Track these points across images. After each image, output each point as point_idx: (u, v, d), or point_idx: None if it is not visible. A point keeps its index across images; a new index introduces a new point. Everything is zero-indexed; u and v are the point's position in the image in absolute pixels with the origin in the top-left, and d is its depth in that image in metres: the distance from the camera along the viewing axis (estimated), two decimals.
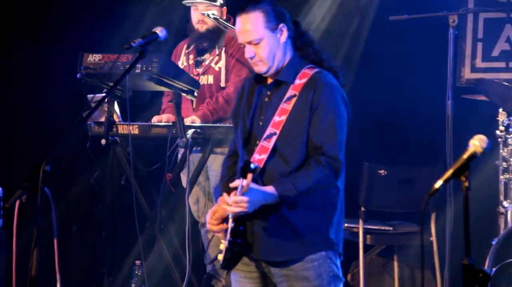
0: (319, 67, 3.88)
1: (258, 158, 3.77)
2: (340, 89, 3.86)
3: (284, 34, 3.85)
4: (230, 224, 3.77)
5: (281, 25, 3.83)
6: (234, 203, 3.67)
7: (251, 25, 3.81)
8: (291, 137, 3.78)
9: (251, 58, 3.84)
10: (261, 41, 3.81)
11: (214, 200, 6.20)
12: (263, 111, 3.88)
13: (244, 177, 3.57)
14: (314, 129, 3.76)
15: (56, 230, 3.60)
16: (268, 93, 3.89)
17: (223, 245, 3.85)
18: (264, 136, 3.80)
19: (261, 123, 3.86)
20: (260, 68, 3.86)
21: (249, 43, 3.83)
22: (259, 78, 3.95)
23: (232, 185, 3.70)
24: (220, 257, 3.87)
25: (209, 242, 6.32)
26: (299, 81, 3.83)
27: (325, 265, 3.83)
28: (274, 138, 3.77)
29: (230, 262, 3.88)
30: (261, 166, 3.74)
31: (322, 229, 3.83)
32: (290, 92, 3.82)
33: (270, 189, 3.70)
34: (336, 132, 3.77)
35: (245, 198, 3.63)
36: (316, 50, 3.93)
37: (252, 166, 3.53)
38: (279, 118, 3.79)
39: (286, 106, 3.80)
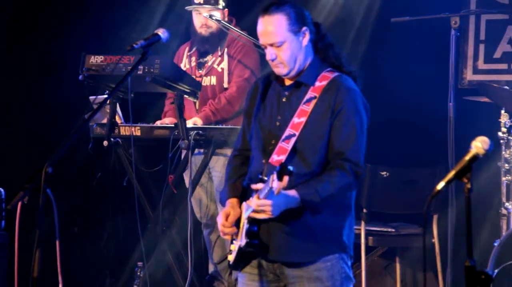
0: (339, 71, 3.86)
1: (277, 159, 3.73)
2: (360, 93, 3.84)
3: (306, 38, 3.81)
4: (245, 225, 3.74)
5: (304, 28, 3.79)
6: (257, 207, 3.63)
7: (274, 27, 3.76)
8: (310, 139, 3.75)
9: (272, 60, 3.79)
10: (283, 44, 3.76)
11: (218, 202, 6.24)
12: (280, 111, 3.84)
13: (280, 179, 3.46)
14: (337, 134, 3.74)
15: (58, 232, 3.61)
16: (286, 93, 3.86)
17: (233, 246, 3.83)
18: (283, 137, 3.76)
19: (278, 123, 3.82)
20: (280, 71, 3.82)
21: (271, 45, 3.78)
22: (275, 78, 3.90)
23: (254, 187, 3.66)
24: (231, 258, 3.86)
25: (214, 243, 6.35)
26: (319, 84, 3.80)
27: (338, 266, 3.82)
28: (293, 140, 3.74)
29: (240, 263, 3.88)
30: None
31: (336, 232, 3.83)
32: (310, 94, 3.79)
33: (292, 193, 3.65)
34: (358, 138, 3.76)
35: (268, 202, 3.59)
36: (337, 54, 3.90)
37: (290, 168, 3.44)
38: (298, 119, 3.76)
39: (306, 108, 3.77)
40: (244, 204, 3.79)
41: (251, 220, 3.72)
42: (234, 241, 3.84)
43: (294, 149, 3.74)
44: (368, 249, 6.40)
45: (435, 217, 6.22)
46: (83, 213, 7.25)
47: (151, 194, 6.21)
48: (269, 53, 3.79)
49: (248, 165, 3.95)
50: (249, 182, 3.82)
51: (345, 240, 3.85)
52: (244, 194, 3.85)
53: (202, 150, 6.05)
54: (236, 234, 3.81)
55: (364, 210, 6.18)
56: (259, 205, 3.62)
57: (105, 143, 5.90)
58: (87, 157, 5.98)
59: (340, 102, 3.75)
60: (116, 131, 5.99)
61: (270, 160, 3.74)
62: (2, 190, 5.37)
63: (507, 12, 6.89)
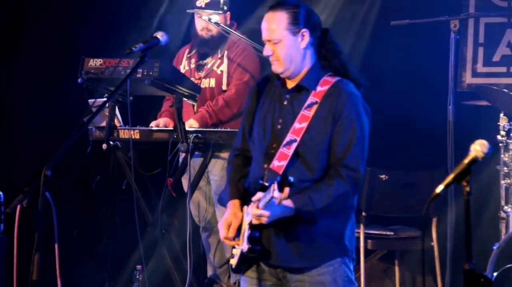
0: (341, 77, 3.84)
1: (278, 164, 3.73)
2: (361, 98, 3.83)
3: (305, 40, 3.81)
4: (247, 232, 3.74)
5: (303, 30, 3.79)
6: (255, 216, 3.65)
7: (273, 24, 3.79)
8: (311, 144, 3.74)
9: (268, 56, 3.83)
10: (280, 42, 3.78)
11: (216, 205, 6.24)
12: (282, 114, 3.84)
13: (281, 191, 3.47)
14: (337, 139, 3.73)
15: (57, 235, 3.61)
16: (288, 97, 3.85)
17: (236, 250, 3.83)
18: (284, 142, 3.75)
19: (279, 127, 3.82)
20: (276, 68, 3.84)
21: (269, 41, 3.81)
22: (277, 79, 3.90)
23: (254, 198, 3.66)
24: (233, 261, 3.86)
25: (216, 247, 6.34)
26: (321, 88, 3.79)
27: (340, 270, 3.82)
28: (294, 145, 3.73)
29: (242, 267, 3.87)
30: (281, 173, 3.68)
31: (338, 236, 3.82)
32: (312, 99, 3.78)
33: (288, 203, 3.65)
34: (357, 144, 3.75)
35: (266, 213, 3.60)
36: (343, 62, 3.88)
37: (291, 179, 3.44)
38: (299, 125, 3.75)
39: (307, 113, 3.76)
40: (245, 208, 3.79)
41: (252, 226, 3.72)
42: (236, 245, 3.84)
43: (295, 155, 3.73)
44: (367, 252, 6.40)
45: (434, 220, 6.22)
46: (82, 216, 7.24)
47: (150, 197, 6.21)
48: (266, 49, 3.83)
49: (248, 165, 3.94)
50: (250, 186, 3.83)
51: (347, 243, 3.84)
52: (245, 196, 3.85)
53: (200, 153, 6.04)
54: (239, 237, 3.81)
55: (363, 213, 6.17)
56: (257, 215, 3.63)
57: (104, 146, 5.90)
58: (86, 160, 5.98)
59: (341, 107, 3.74)
60: (115, 134, 6.00)
61: (271, 166, 3.73)
62: (1, 193, 5.36)
63: (506, 15, 6.89)
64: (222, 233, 3.81)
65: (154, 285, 6.21)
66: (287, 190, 3.47)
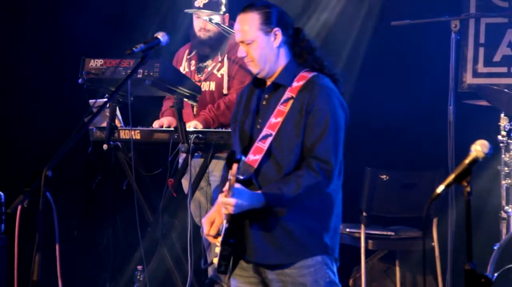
0: (318, 72, 3.88)
1: (253, 158, 3.77)
2: (337, 92, 3.86)
3: (278, 39, 3.86)
4: (224, 225, 3.76)
5: (275, 29, 3.85)
6: (222, 204, 3.69)
7: (245, 25, 3.86)
8: (286, 139, 3.78)
9: (243, 57, 3.90)
10: (253, 42, 3.85)
11: (211, 202, 6.23)
12: (260, 114, 3.89)
13: (230, 167, 3.56)
14: (309, 132, 3.77)
15: (58, 235, 3.61)
16: (266, 96, 3.91)
17: (218, 249, 3.84)
18: (260, 137, 3.80)
19: (258, 127, 3.87)
20: (252, 69, 3.92)
21: (242, 42, 3.88)
22: (257, 83, 3.97)
23: (224, 189, 3.70)
24: (216, 260, 3.87)
25: (208, 245, 6.34)
26: (297, 84, 3.84)
27: (321, 271, 3.83)
28: (269, 139, 3.78)
29: (226, 267, 3.86)
30: (255, 166, 3.74)
31: (316, 233, 3.82)
32: (287, 94, 3.83)
33: (257, 193, 3.70)
34: (330, 135, 3.76)
35: (231, 201, 3.63)
36: (317, 58, 3.93)
37: (237, 156, 3.52)
38: (275, 119, 3.80)
39: (283, 108, 3.81)
40: None
41: (228, 218, 3.74)
42: (218, 244, 3.85)
43: (270, 149, 3.78)
44: (368, 253, 6.40)
45: (435, 221, 6.22)
46: (82, 217, 7.25)
47: (151, 197, 6.21)
48: (240, 50, 3.90)
49: None
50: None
51: (327, 241, 3.84)
52: None
53: (201, 154, 6.04)
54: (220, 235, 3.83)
55: (364, 214, 6.17)
56: (223, 203, 3.67)
57: (105, 146, 5.90)
58: (86, 160, 5.98)
59: (313, 99, 3.78)
60: (116, 134, 5.99)
61: (246, 160, 3.75)
62: (2, 193, 5.36)
63: (507, 16, 6.89)
64: (205, 229, 3.84)
65: (155, 286, 6.21)
66: (235, 166, 3.52)
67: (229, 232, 3.74)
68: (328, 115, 3.77)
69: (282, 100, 3.83)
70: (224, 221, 3.77)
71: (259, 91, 3.96)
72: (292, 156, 3.78)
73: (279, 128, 3.78)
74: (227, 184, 3.63)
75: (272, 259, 3.81)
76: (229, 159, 3.55)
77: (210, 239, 3.87)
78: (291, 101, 3.81)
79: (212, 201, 4.01)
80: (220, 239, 3.78)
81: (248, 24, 3.85)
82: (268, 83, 3.93)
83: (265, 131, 3.80)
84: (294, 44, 3.92)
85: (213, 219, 3.84)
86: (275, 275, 3.82)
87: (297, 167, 3.77)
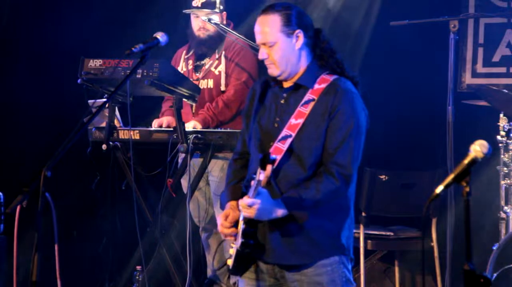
0: (339, 75, 3.86)
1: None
2: (359, 96, 3.84)
3: (300, 41, 3.82)
4: (241, 226, 3.74)
5: (297, 31, 3.81)
6: (244, 205, 3.64)
7: (267, 27, 3.80)
8: (306, 140, 3.76)
9: (264, 59, 3.84)
10: (275, 44, 3.80)
11: (215, 206, 6.24)
12: (278, 113, 3.85)
13: (263, 169, 3.53)
14: (331, 136, 3.74)
15: (57, 235, 3.60)
16: (285, 95, 3.87)
17: (232, 250, 3.83)
18: (279, 137, 3.77)
19: (276, 125, 3.83)
20: (272, 71, 3.85)
21: (264, 44, 3.83)
22: (273, 80, 3.92)
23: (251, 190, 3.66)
24: (230, 262, 3.86)
25: (216, 249, 6.34)
26: (318, 86, 3.81)
27: (338, 270, 3.83)
28: (289, 140, 3.75)
29: (239, 268, 3.87)
30: (274, 166, 3.69)
31: (334, 234, 3.82)
32: (309, 96, 3.80)
33: (279, 202, 3.67)
34: (350, 141, 3.75)
35: (257, 200, 3.60)
36: (338, 60, 3.90)
37: (272, 157, 3.49)
38: (295, 121, 3.77)
39: (304, 110, 3.78)
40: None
41: (247, 221, 3.72)
42: (233, 245, 3.84)
43: (290, 150, 3.75)
44: (367, 253, 6.41)
45: (434, 221, 6.22)
46: (81, 217, 7.24)
47: (150, 198, 6.21)
48: (261, 53, 3.84)
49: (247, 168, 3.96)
50: (246, 184, 3.83)
51: (344, 242, 3.84)
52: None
53: (200, 154, 6.04)
54: (236, 236, 3.81)
55: (363, 214, 6.18)
56: (247, 204, 3.62)
57: (104, 146, 5.90)
58: (85, 160, 5.98)
59: (338, 104, 3.75)
60: (115, 134, 6.00)
61: None
62: (1, 194, 5.36)
63: (506, 16, 6.89)
64: (219, 221, 3.83)
65: (154, 286, 6.21)
66: (269, 167, 3.51)
67: (248, 233, 3.73)
68: (351, 120, 3.76)
69: (303, 101, 3.80)
70: (241, 222, 3.75)
71: (275, 89, 3.91)
72: (311, 158, 3.76)
73: (300, 129, 3.75)
74: (254, 185, 3.58)
75: (290, 260, 3.80)
76: (264, 160, 3.50)
77: (224, 231, 3.83)
78: (312, 103, 3.78)
79: (221, 206, 3.97)
80: (238, 238, 3.77)
81: (269, 26, 3.80)
82: (287, 84, 3.88)
83: (284, 132, 3.77)
84: (315, 46, 3.88)
85: (228, 213, 3.84)
86: (292, 275, 3.82)
87: (316, 170, 3.76)
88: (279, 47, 3.80)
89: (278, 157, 3.73)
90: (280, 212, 3.67)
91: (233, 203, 3.86)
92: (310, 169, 3.76)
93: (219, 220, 3.84)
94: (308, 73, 3.85)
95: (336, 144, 3.73)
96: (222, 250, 6.36)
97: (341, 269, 3.83)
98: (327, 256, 3.81)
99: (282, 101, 3.87)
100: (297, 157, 3.76)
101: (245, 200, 3.63)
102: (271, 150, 3.76)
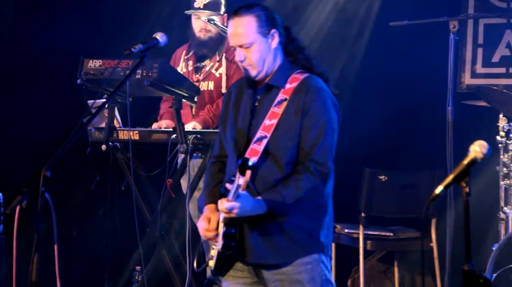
0: (309, 73, 3.89)
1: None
2: (330, 93, 3.87)
3: (275, 40, 3.86)
4: (222, 228, 3.76)
5: (273, 30, 3.84)
6: (225, 209, 3.65)
7: (243, 29, 3.82)
8: (281, 141, 3.78)
9: (241, 61, 3.85)
10: (252, 45, 3.82)
11: (198, 210, 6.24)
12: (253, 116, 3.88)
13: (243, 174, 3.54)
14: (305, 134, 3.78)
15: (57, 236, 3.60)
16: (259, 97, 3.90)
17: (214, 251, 3.84)
18: (255, 139, 3.80)
19: (251, 128, 3.86)
20: (249, 72, 3.87)
21: (240, 46, 3.84)
22: (248, 83, 3.95)
23: (228, 186, 3.68)
24: (212, 263, 3.87)
25: (207, 248, 6.34)
26: (290, 85, 3.84)
27: (318, 269, 3.84)
28: (264, 141, 3.78)
29: (221, 269, 3.89)
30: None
31: (313, 232, 3.84)
32: (281, 96, 3.83)
33: (260, 200, 3.70)
34: (326, 138, 3.78)
35: (236, 204, 3.62)
36: (307, 56, 3.95)
37: (250, 163, 3.51)
38: (269, 121, 3.80)
39: (277, 110, 3.81)
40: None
41: (227, 222, 3.74)
42: (214, 246, 3.85)
43: (266, 151, 3.78)
44: (367, 253, 6.40)
45: (433, 221, 6.21)
46: (81, 217, 7.24)
47: (150, 198, 6.21)
48: (238, 55, 3.85)
49: (225, 171, 3.98)
50: (225, 185, 3.84)
51: (322, 240, 3.86)
52: None
53: (199, 154, 6.04)
54: (217, 237, 3.82)
55: (363, 214, 6.17)
56: (227, 208, 3.64)
57: (104, 147, 5.90)
58: (85, 161, 5.98)
59: (309, 102, 3.79)
60: (115, 135, 6.00)
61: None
62: (0, 194, 5.36)
63: (505, 16, 6.89)
64: (203, 225, 3.83)
65: (153, 286, 6.21)
66: (248, 172, 3.53)
67: (229, 235, 3.74)
68: (323, 117, 3.79)
69: (275, 102, 3.83)
70: (221, 225, 3.76)
71: (250, 92, 3.94)
72: (287, 157, 3.79)
73: (274, 129, 3.78)
74: (233, 189, 3.60)
75: (270, 259, 3.82)
76: (243, 166, 3.51)
77: (208, 235, 3.84)
78: (285, 103, 3.81)
79: (199, 209, 3.98)
80: (218, 240, 3.78)
81: (245, 28, 3.81)
82: (260, 84, 3.92)
83: (259, 133, 3.80)
84: (286, 43, 3.92)
85: (209, 217, 3.85)
86: (272, 274, 3.83)
87: (293, 168, 3.78)
88: (257, 48, 3.82)
89: (255, 159, 3.73)
90: (260, 210, 3.69)
91: (211, 206, 3.88)
92: (287, 169, 3.78)
93: (202, 224, 3.85)
94: (279, 72, 3.88)
95: (311, 142, 3.76)
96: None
97: (321, 268, 3.85)
98: (306, 254, 3.82)
99: (256, 103, 3.90)
100: (273, 157, 3.78)
101: (224, 204, 3.65)
102: (247, 152, 3.77)
